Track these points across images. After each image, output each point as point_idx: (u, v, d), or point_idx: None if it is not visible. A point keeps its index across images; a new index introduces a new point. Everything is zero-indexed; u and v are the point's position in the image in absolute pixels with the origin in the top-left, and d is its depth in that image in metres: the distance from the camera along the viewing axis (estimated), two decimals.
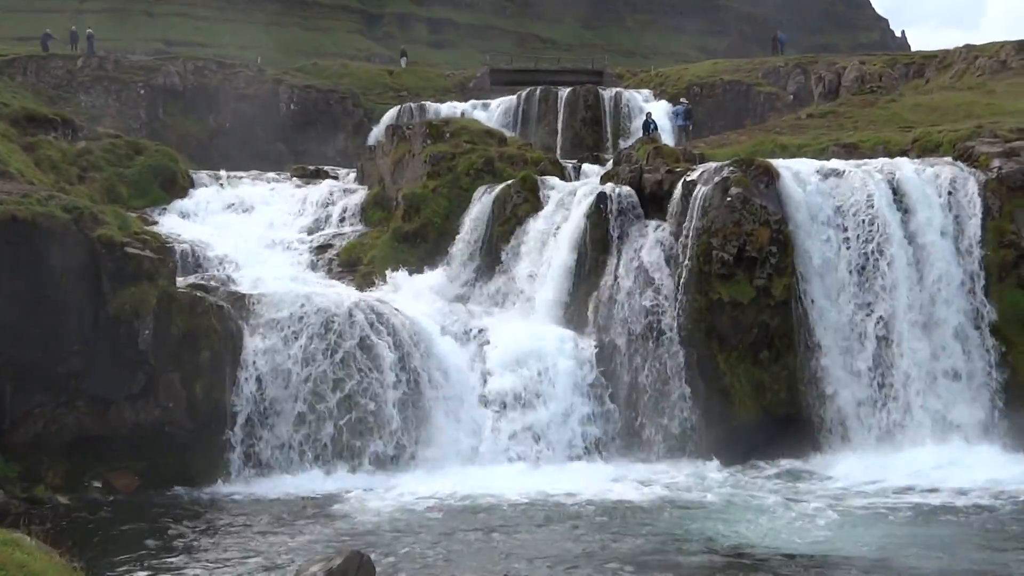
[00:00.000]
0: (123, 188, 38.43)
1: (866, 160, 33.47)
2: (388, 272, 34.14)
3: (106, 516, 24.08)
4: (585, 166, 41.65)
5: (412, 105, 63.12)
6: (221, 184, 42.27)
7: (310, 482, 26.75)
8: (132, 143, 41.91)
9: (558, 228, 32.63)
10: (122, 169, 39.18)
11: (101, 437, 26.88)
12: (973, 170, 31.76)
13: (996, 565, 20.16)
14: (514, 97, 63.00)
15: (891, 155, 34.77)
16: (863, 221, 30.66)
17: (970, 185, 31.30)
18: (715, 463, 28.13)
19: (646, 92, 64.43)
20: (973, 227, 30.83)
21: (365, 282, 34.02)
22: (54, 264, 27.22)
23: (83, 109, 59.06)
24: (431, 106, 62.32)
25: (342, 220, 39.31)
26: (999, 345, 30.08)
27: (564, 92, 62.18)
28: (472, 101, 64.44)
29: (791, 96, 62.40)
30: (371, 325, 28.80)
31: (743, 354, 29.62)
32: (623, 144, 54.09)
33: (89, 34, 71.06)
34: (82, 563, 13.70)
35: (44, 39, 69.74)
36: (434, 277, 33.45)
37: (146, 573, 19.57)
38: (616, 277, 30.82)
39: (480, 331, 30.69)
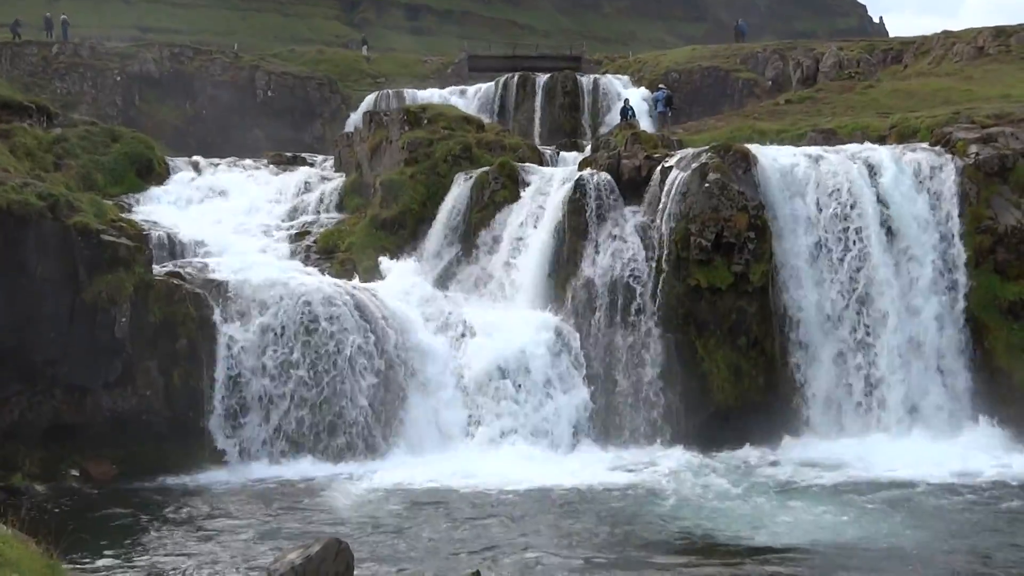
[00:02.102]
0: (99, 175, 38.16)
1: (844, 146, 33.52)
2: (369, 261, 34.03)
3: (83, 504, 24.00)
4: (563, 152, 41.62)
5: (389, 91, 62.92)
6: (198, 171, 42.05)
7: (288, 469, 26.73)
8: (108, 130, 41.63)
9: (536, 214, 32.58)
10: (98, 156, 38.91)
11: (78, 425, 26.79)
12: (951, 156, 31.84)
13: (975, 550, 20.25)
14: (492, 84, 62.87)
15: (869, 141, 34.83)
16: (841, 207, 30.70)
17: (948, 171, 31.38)
18: (693, 448, 28.16)
19: (624, 78, 64.36)
20: (950, 213, 30.92)
21: (343, 269, 33.92)
22: (29, 252, 27.05)
23: (58, 96, 58.77)
24: (409, 92, 62.12)
25: (319, 207, 39.16)
26: (976, 331, 30.19)
27: (542, 78, 62.09)
28: (450, 87, 64.29)
29: (769, 82, 62.42)
30: (349, 312, 28.74)
31: (721, 340, 29.66)
32: (601, 130, 54.09)
33: (64, 20, 70.59)
34: (59, 551, 13.63)
35: (14, 26, 69.24)
36: (412, 264, 33.34)
37: (123, 561, 19.50)
38: (594, 263, 30.80)
39: (458, 317, 30.63)
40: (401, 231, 35.17)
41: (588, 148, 41.62)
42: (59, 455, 26.34)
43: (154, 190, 39.55)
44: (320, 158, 46.69)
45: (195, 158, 44.44)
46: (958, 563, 19.42)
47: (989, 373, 29.86)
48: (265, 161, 44.68)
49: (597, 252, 30.96)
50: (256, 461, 27.20)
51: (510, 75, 63.17)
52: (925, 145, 33.06)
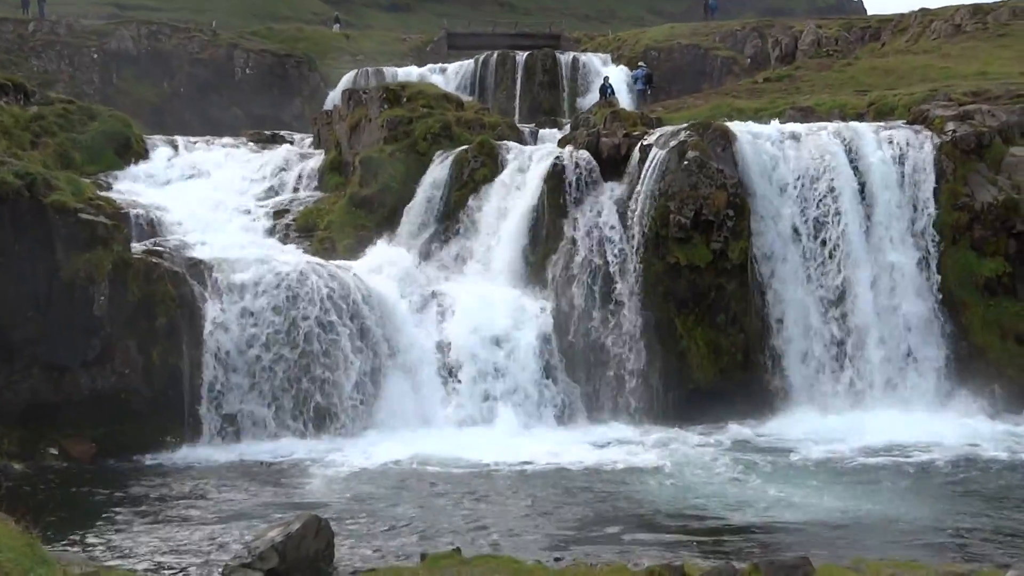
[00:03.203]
0: (77, 154, 37.90)
1: (822, 123, 33.61)
2: (348, 239, 33.96)
3: (63, 483, 23.96)
4: (543, 130, 41.54)
5: (369, 69, 62.75)
6: (176, 150, 41.81)
7: (267, 447, 26.75)
8: (85, 108, 41.31)
9: (516, 193, 32.56)
10: (76, 135, 38.64)
11: (57, 404, 26.71)
12: (928, 133, 31.97)
13: (955, 523, 20.41)
14: (472, 62, 62.78)
15: (847, 118, 34.92)
16: (819, 184, 30.81)
17: (925, 148, 31.51)
18: (672, 426, 28.27)
19: (604, 56, 64.38)
20: (927, 190, 31.07)
21: (322, 247, 33.84)
22: (6, 231, 26.91)
23: (35, 74, 58.36)
24: (388, 70, 61.96)
25: (298, 185, 39.00)
26: (953, 307, 30.37)
27: (522, 56, 62.03)
28: (429, 65, 64.13)
29: (748, 60, 62.50)
30: (329, 290, 28.71)
31: (700, 317, 29.78)
32: (581, 108, 54.10)
33: None
34: (38, 530, 13.62)
35: None
36: (391, 242, 33.30)
37: (103, 540, 19.50)
38: (574, 241, 30.84)
39: (438, 296, 30.66)
40: (381, 209, 35.05)
41: (568, 126, 41.61)
42: (38, 434, 26.26)
43: (132, 168, 39.30)
44: (299, 136, 46.52)
45: (173, 136, 44.22)
46: (939, 536, 19.59)
47: (965, 349, 30.09)
48: (244, 139, 44.45)
49: (576, 230, 30.99)
50: (235, 439, 27.20)
51: (489, 53, 63.09)
52: (903, 122, 33.19)
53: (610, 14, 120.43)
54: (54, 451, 26.05)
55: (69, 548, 18.41)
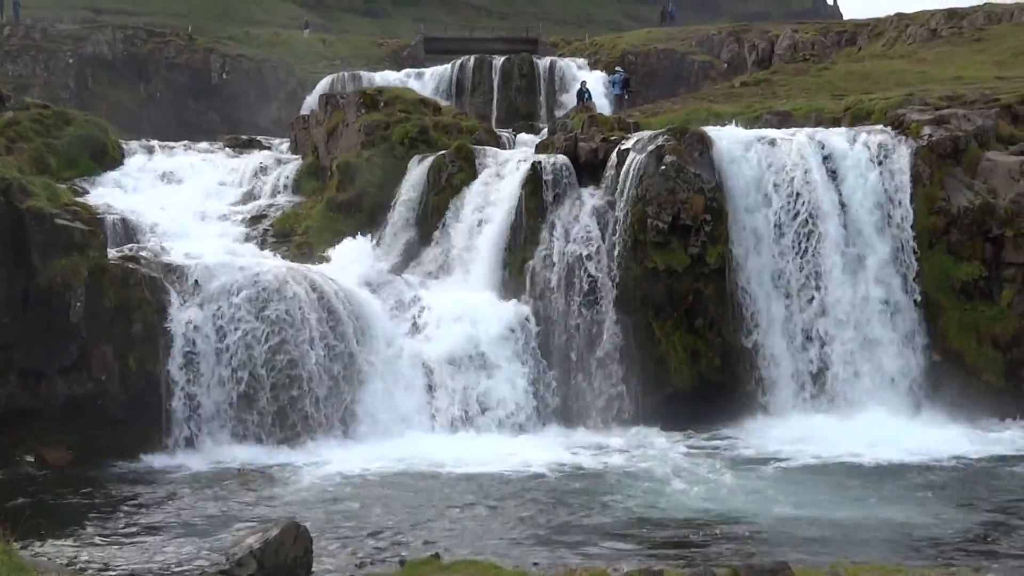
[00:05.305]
0: (52, 159, 37.76)
1: (799, 128, 33.70)
2: (325, 244, 33.91)
3: (39, 490, 23.83)
4: (520, 135, 41.64)
5: (345, 74, 62.73)
6: (153, 154, 41.72)
7: (245, 454, 26.61)
8: (61, 113, 41.18)
9: (493, 197, 32.56)
10: (51, 139, 38.49)
11: (33, 410, 26.61)
12: (904, 138, 32.05)
13: (931, 529, 20.49)
14: (448, 66, 62.86)
15: (824, 123, 35.04)
16: (796, 189, 30.88)
17: (901, 153, 31.60)
18: (651, 430, 28.29)
19: (581, 61, 64.53)
20: (904, 194, 31.15)
21: (300, 252, 33.78)
22: None
23: (10, 78, 58.18)
24: (365, 75, 61.93)
25: (276, 190, 38.93)
26: (929, 311, 30.47)
27: (499, 61, 62.17)
28: (406, 70, 64.20)
29: (725, 64, 62.74)
30: (305, 295, 28.64)
31: (678, 322, 29.82)
32: (558, 113, 54.18)
33: (15, 1, 69.81)
34: (15, 537, 13.56)
35: None
36: (369, 247, 33.26)
37: (80, 547, 19.42)
38: (551, 245, 30.85)
39: (416, 301, 30.62)
40: (358, 214, 35.02)
41: (545, 131, 41.66)
42: (14, 440, 26.14)
43: (108, 174, 39.20)
44: (276, 141, 46.46)
45: (150, 141, 44.09)
46: (916, 540, 19.66)
47: (942, 353, 30.16)
48: (220, 144, 44.40)
49: (554, 235, 31.01)
50: (213, 446, 27.06)
51: (467, 58, 63.19)
52: (879, 127, 33.27)
53: (587, 19, 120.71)
54: (30, 458, 25.91)
55: (46, 555, 18.32)
